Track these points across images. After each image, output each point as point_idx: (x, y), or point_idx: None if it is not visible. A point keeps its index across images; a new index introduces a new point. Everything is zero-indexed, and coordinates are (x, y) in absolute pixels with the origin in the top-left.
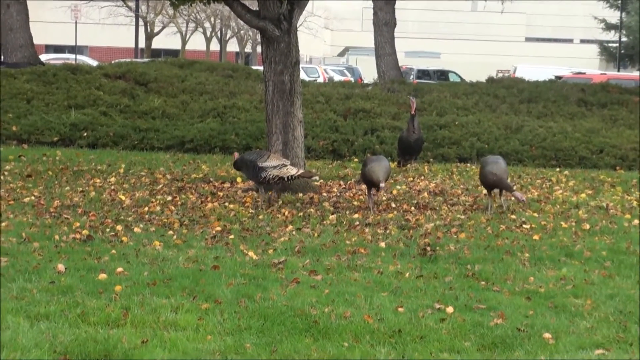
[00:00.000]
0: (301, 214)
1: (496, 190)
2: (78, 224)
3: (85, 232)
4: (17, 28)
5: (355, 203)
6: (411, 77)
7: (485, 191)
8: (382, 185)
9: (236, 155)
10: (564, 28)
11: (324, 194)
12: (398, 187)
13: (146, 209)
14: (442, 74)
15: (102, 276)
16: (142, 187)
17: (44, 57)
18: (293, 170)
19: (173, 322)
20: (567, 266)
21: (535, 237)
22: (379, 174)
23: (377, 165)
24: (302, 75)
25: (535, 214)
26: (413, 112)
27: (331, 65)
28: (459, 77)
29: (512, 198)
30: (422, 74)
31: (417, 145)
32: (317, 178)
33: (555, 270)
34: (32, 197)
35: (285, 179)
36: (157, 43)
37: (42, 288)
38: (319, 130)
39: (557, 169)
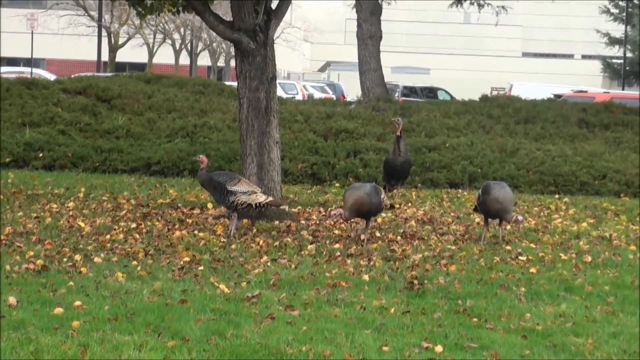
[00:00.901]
0: (277, 243)
1: (495, 220)
2: (32, 253)
3: (39, 262)
4: None
5: (336, 232)
6: (396, 95)
7: (480, 219)
8: (332, 213)
9: (204, 160)
10: (564, 42)
11: (302, 222)
12: (383, 214)
13: (108, 237)
14: (431, 92)
15: (58, 310)
16: (103, 213)
17: None
18: (262, 198)
19: None
20: (566, 302)
21: (532, 270)
22: (345, 204)
23: (349, 195)
24: (280, 92)
25: (533, 245)
26: (398, 134)
27: (311, 82)
28: (449, 94)
29: (509, 227)
30: (409, 91)
31: (403, 169)
32: (286, 208)
33: (554, 306)
34: None
35: (253, 206)
36: (122, 56)
37: None
38: (297, 152)
39: (556, 196)
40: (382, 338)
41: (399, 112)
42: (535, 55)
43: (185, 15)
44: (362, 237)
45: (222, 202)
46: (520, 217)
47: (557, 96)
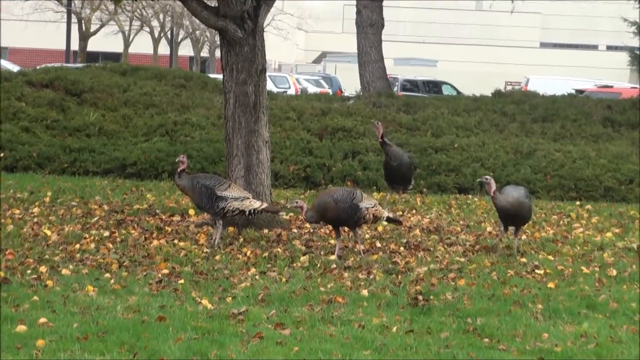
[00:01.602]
0: (266, 254)
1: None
2: None
3: (0, 273)
4: None
5: (332, 242)
6: (395, 89)
7: (492, 227)
8: (294, 201)
9: (184, 160)
10: (587, 32)
11: (294, 231)
12: (384, 222)
13: (77, 246)
14: (434, 86)
15: (21, 328)
16: (72, 220)
17: None
18: (256, 204)
19: None
20: (588, 320)
21: (551, 284)
22: (313, 204)
23: (320, 196)
24: (270, 86)
25: (551, 257)
26: (380, 140)
27: (305, 74)
28: (455, 89)
29: (524, 237)
30: (410, 84)
31: (400, 172)
32: (284, 214)
33: (575, 325)
34: None
35: (247, 212)
36: (94, 45)
37: None
38: (289, 153)
39: (578, 203)
40: None
41: (402, 109)
42: (555, 45)
43: (165, 0)
44: (358, 247)
45: (208, 208)
46: (485, 179)
47: (579, 91)
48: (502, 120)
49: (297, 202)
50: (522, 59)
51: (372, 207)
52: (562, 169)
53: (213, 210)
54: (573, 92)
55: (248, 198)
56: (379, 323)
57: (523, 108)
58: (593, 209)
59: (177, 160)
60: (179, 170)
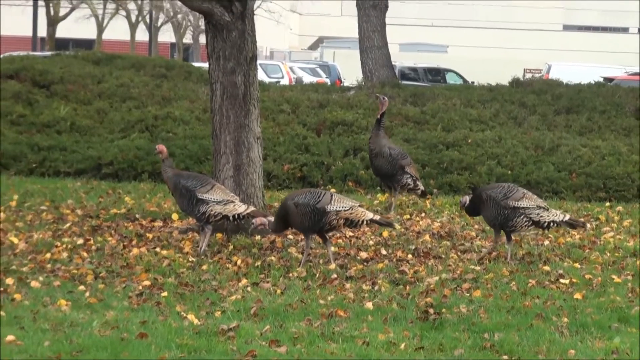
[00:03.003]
0: (259, 263)
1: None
2: None
3: None
4: None
5: (333, 248)
6: None
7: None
8: (253, 222)
9: (162, 149)
10: (616, 13)
11: (290, 237)
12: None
13: (48, 255)
14: (437, 74)
15: None
16: (42, 227)
17: None
18: (241, 208)
19: None
20: (620, 335)
21: (577, 295)
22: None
23: (283, 200)
24: (261, 76)
25: (578, 265)
26: (378, 116)
27: (300, 62)
28: (461, 77)
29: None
30: (412, 72)
31: (377, 163)
32: (271, 219)
33: (605, 341)
34: None
35: (231, 218)
36: (64, 30)
37: None
38: (283, 150)
39: (607, 204)
40: None
41: (409, 101)
42: (580, 28)
43: None
44: (329, 251)
45: (190, 212)
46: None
47: (608, 80)
48: (521, 112)
49: (254, 222)
50: (543, 43)
51: (346, 210)
52: (589, 167)
53: (194, 214)
54: (601, 80)
55: (232, 202)
56: (386, 339)
57: (544, 98)
58: (625, 210)
59: (155, 151)
60: (162, 160)
